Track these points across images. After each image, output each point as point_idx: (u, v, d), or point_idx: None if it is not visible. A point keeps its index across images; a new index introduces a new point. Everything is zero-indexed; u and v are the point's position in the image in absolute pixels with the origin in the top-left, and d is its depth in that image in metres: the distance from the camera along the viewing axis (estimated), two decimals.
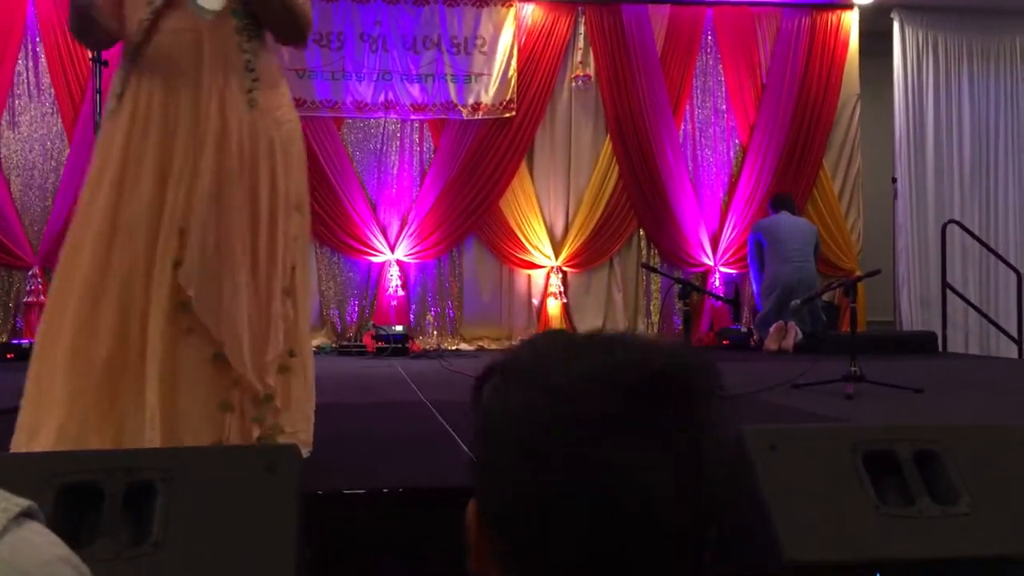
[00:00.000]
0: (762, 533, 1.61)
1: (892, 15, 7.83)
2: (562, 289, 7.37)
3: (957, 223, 7.48)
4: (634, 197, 7.44)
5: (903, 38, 7.84)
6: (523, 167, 7.36)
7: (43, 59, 6.75)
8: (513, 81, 7.24)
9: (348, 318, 7.18)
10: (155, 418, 1.93)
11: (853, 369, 3.76)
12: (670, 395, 0.62)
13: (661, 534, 0.62)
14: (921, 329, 7.41)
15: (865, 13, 7.78)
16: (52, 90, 6.75)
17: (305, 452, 2.13)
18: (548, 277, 7.38)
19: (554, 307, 7.31)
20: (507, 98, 7.23)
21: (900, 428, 1.80)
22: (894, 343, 6.62)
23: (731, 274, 7.58)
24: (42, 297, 6.58)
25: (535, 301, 7.42)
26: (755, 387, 3.90)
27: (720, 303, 7.30)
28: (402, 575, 1.88)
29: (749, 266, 7.16)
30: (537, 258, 7.37)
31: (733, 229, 7.51)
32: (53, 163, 6.77)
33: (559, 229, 7.46)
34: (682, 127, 7.62)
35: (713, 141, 7.70)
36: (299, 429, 2.15)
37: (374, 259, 7.15)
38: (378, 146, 7.24)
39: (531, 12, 7.35)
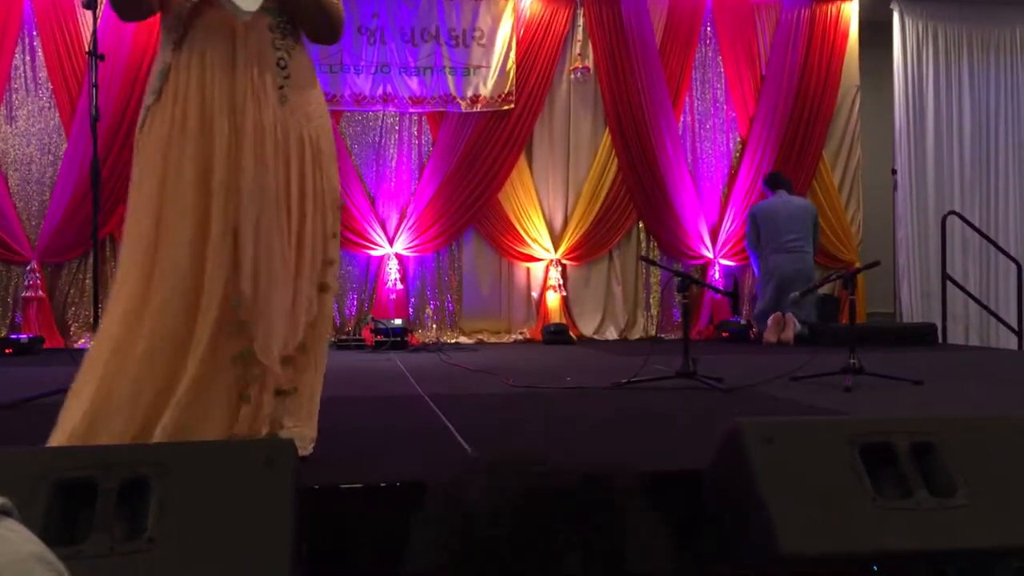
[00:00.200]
0: (759, 526, 1.60)
1: (892, 5, 7.82)
2: (561, 282, 7.37)
3: (957, 214, 7.48)
4: (633, 189, 7.43)
5: (903, 29, 7.82)
6: (522, 160, 7.35)
7: (40, 54, 6.74)
8: (512, 73, 7.23)
9: (347, 312, 7.18)
10: (179, 405, 1.95)
11: (852, 361, 3.76)
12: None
13: None
14: (921, 321, 7.41)
15: (865, 3, 7.77)
16: (49, 84, 6.75)
17: (310, 448, 2.15)
18: (547, 270, 7.38)
19: (553, 300, 7.31)
20: (506, 90, 7.22)
21: (897, 420, 1.79)
22: (894, 335, 6.61)
23: (731, 266, 7.57)
24: (40, 292, 6.58)
25: (534, 294, 7.42)
26: (754, 380, 3.90)
27: (720, 296, 7.29)
28: (397, 569, 1.88)
29: (747, 251, 7.15)
30: (536, 251, 7.36)
31: (733, 221, 7.50)
32: (51, 157, 6.76)
33: (558, 222, 7.45)
34: (681, 119, 7.61)
35: (712, 133, 7.69)
36: (306, 425, 2.17)
37: (373, 252, 7.14)
38: (376, 139, 7.23)
39: (529, 4, 7.33)
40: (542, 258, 7.39)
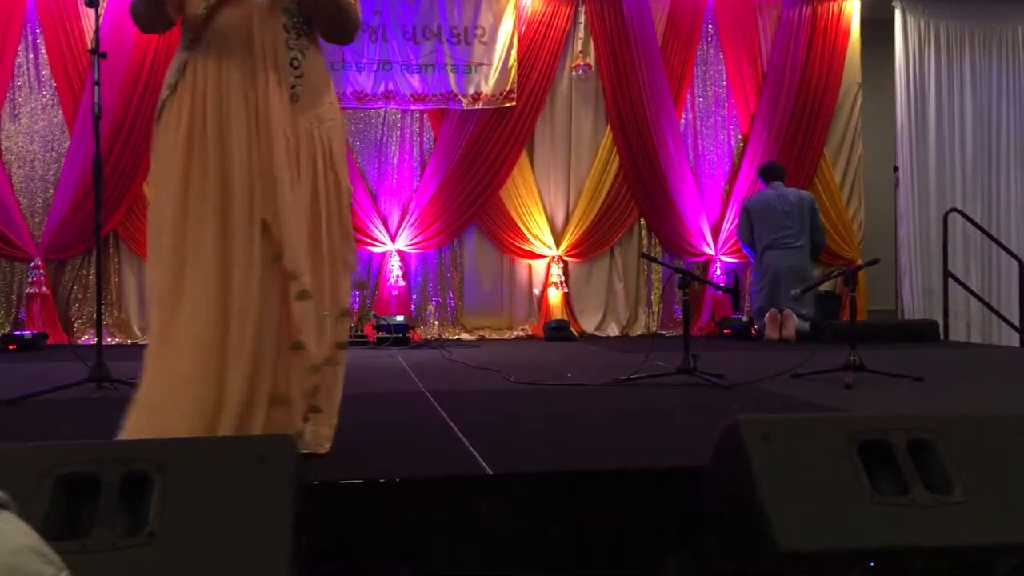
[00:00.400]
0: (757, 523, 1.61)
1: (893, 3, 7.82)
2: (563, 279, 7.38)
3: (959, 212, 7.47)
4: (635, 187, 7.44)
5: (905, 26, 7.81)
6: (523, 157, 7.35)
7: (43, 51, 6.76)
8: (513, 71, 7.23)
9: None
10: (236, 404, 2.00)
11: (853, 358, 3.77)
12: None
13: None
14: (923, 318, 7.41)
15: (866, 1, 7.76)
16: (52, 82, 6.76)
17: (327, 446, 2.17)
18: (549, 267, 7.39)
19: (555, 297, 7.32)
20: (507, 88, 7.22)
21: (895, 417, 1.80)
22: (896, 332, 6.61)
23: (732, 263, 7.57)
24: (44, 289, 6.60)
25: (536, 291, 7.43)
26: (755, 376, 3.91)
27: (721, 293, 7.30)
28: (398, 564, 1.89)
29: (740, 244, 7.15)
30: (538, 248, 7.37)
31: (734, 218, 7.50)
32: (54, 154, 6.77)
33: (560, 219, 7.46)
34: (683, 116, 7.61)
35: (714, 130, 7.69)
36: (326, 423, 2.20)
37: (375, 249, 7.15)
38: (378, 136, 7.24)
39: (531, 1, 7.33)
40: (544, 255, 7.39)
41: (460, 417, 2.83)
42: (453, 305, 7.34)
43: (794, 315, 6.45)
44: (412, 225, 7.19)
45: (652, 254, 7.36)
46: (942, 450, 1.71)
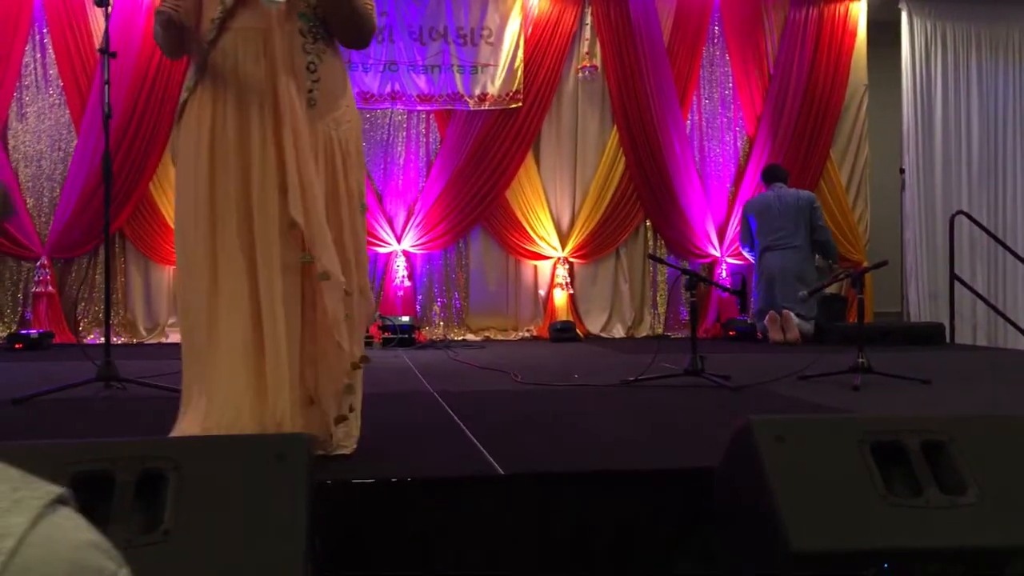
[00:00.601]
0: (769, 523, 1.61)
1: (900, 5, 7.81)
2: (569, 280, 7.38)
3: (965, 214, 7.46)
4: (641, 188, 7.44)
5: (911, 28, 7.81)
6: (529, 158, 7.36)
7: (50, 50, 6.78)
8: (519, 72, 7.24)
9: None
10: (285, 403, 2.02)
11: (860, 360, 3.76)
12: None
13: None
14: (929, 321, 7.40)
15: (873, 3, 7.76)
16: (59, 81, 6.78)
17: (354, 445, 2.20)
18: (555, 268, 7.39)
19: (560, 298, 7.32)
20: (513, 89, 7.22)
21: (908, 419, 1.79)
22: (902, 334, 6.60)
23: (738, 265, 7.57)
24: (50, 288, 6.62)
25: (542, 292, 7.44)
26: (762, 378, 3.91)
27: (727, 294, 7.29)
28: (410, 564, 1.89)
29: (740, 247, 7.16)
30: (544, 249, 7.37)
31: (739, 220, 7.50)
32: (61, 154, 6.79)
33: (565, 220, 7.46)
34: (689, 118, 7.61)
35: (720, 132, 7.69)
36: (354, 424, 2.23)
37: (380, 250, 7.16)
38: (384, 137, 7.25)
39: (538, 2, 7.34)
40: (549, 256, 7.40)
41: (469, 417, 2.83)
42: (458, 306, 7.34)
43: (793, 316, 6.41)
44: (418, 226, 7.20)
45: (658, 255, 7.36)
46: (955, 452, 1.71)
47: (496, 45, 7.25)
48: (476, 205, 7.23)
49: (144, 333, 6.82)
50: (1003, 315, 7.44)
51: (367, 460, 2.16)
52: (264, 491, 1.49)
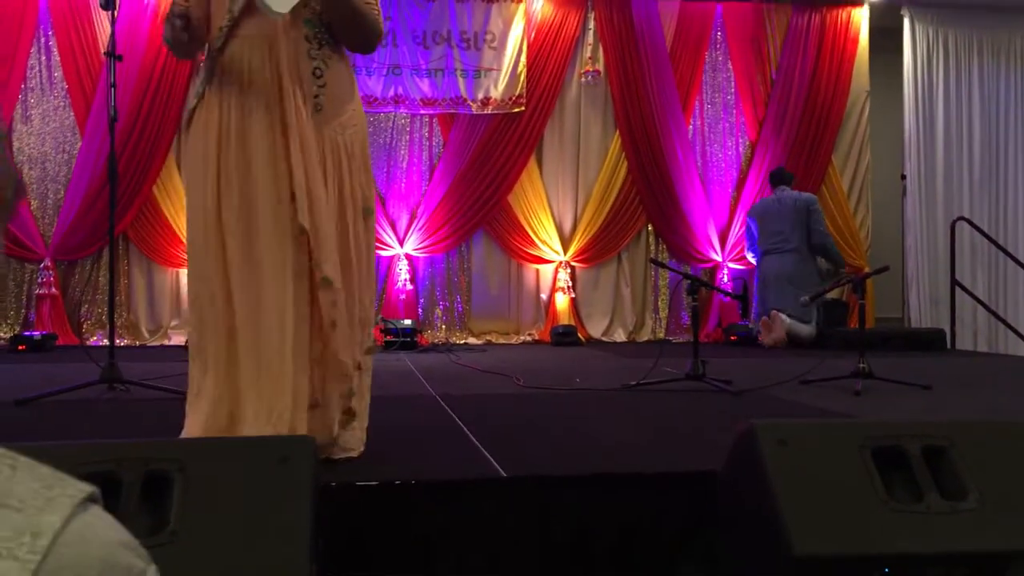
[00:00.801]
0: (771, 528, 1.62)
1: (902, 11, 7.82)
2: (570, 284, 7.39)
3: (966, 220, 7.47)
4: (643, 192, 7.45)
5: (913, 34, 7.82)
6: (532, 162, 7.37)
7: (55, 53, 6.80)
8: (523, 76, 7.25)
9: None
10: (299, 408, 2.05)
11: (862, 365, 3.77)
12: None
13: None
14: (930, 326, 7.41)
15: (875, 9, 7.77)
16: (64, 84, 6.80)
17: (361, 448, 2.21)
18: (556, 272, 7.40)
19: (562, 302, 7.33)
20: (516, 93, 7.24)
21: (909, 424, 1.80)
22: (903, 340, 6.61)
23: (739, 270, 7.58)
24: (53, 290, 6.63)
25: (543, 296, 7.44)
26: (763, 383, 3.92)
27: (728, 299, 7.30)
28: (413, 566, 1.90)
29: (746, 252, 7.19)
30: (546, 253, 7.38)
31: (742, 225, 7.51)
32: (65, 156, 6.81)
33: (568, 224, 7.47)
34: (691, 123, 7.62)
35: (722, 137, 7.70)
36: (360, 426, 2.24)
37: (383, 253, 7.17)
38: (387, 140, 7.26)
39: (541, 7, 7.36)
40: (551, 260, 7.41)
41: (471, 421, 2.84)
42: (460, 309, 7.35)
43: (783, 317, 6.40)
44: (420, 229, 7.21)
45: (660, 260, 7.37)
46: (956, 457, 1.72)
47: (499, 49, 7.27)
48: (479, 209, 7.24)
49: (147, 335, 6.83)
50: (1004, 321, 7.45)
51: (370, 463, 2.17)
52: (268, 493, 1.50)
